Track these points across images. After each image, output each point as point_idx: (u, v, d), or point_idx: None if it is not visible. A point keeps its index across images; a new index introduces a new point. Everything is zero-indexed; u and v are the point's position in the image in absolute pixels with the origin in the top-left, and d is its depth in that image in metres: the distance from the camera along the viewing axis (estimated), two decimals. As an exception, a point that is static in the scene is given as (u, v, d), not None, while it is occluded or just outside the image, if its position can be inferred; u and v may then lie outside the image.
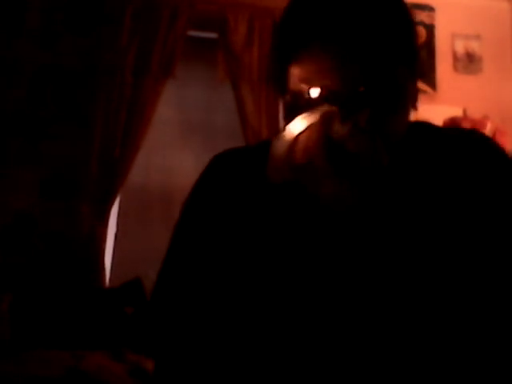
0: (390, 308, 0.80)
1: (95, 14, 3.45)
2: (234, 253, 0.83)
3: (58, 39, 3.41)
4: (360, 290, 0.81)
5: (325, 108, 0.76)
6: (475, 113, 3.66)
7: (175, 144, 3.69)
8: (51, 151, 3.29)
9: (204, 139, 3.64)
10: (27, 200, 3.24)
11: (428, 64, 3.73)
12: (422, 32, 3.75)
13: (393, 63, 0.79)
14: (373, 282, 0.80)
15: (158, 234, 3.32)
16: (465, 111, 3.67)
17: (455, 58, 3.90)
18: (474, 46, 3.90)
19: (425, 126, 0.93)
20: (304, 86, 0.80)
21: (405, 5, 0.85)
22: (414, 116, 0.87)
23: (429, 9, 3.84)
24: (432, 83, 3.73)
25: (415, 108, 0.86)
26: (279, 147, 0.76)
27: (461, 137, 0.91)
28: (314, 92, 0.79)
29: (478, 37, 3.91)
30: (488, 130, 3.55)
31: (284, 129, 0.77)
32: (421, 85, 3.72)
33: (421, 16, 3.74)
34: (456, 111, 3.65)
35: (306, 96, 0.80)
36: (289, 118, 0.78)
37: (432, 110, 3.19)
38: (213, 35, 3.64)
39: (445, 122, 3.57)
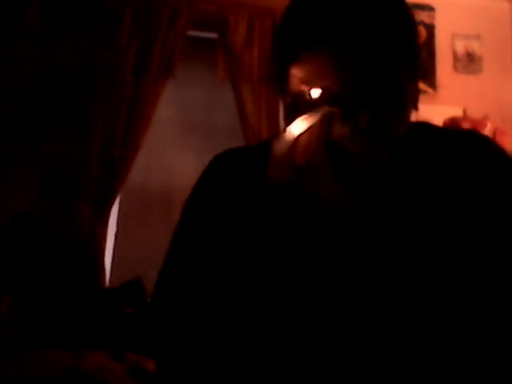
0: (390, 308, 0.80)
1: (95, 14, 3.45)
2: (235, 253, 0.83)
3: (58, 39, 3.41)
4: (360, 290, 0.81)
5: (325, 109, 0.76)
6: (475, 113, 3.66)
7: (175, 144, 3.69)
8: (51, 151, 3.29)
9: (204, 139, 3.64)
10: (27, 200, 3.24)
11: (428, 64, 3.73)
12: (422, 32, 3.75)
13: (394, 64, 0.79)
14: (372, 282, 0.81)
15: (158, 234, 3.32)
16: (465, 111, 3.67)
17: (455, 57, 3.90)
18: (474, 46, 3.90)
19: (425, 127, 0.93)
20: (304, 87, 0.80)
21: (406, 5, 0.84)
22: (413, 116, 0.87)
23: (429, 9, 3.84)
24: (432, 83, 3.73)
25: (416, 108, 0.86)
26: (280, 148, 0.76)
27: (461, 137, 0.91)
28: (315, 93, 0.79)
29: (478, 37, 3.91)
30: (488, 129, 3.56)
31: (284, 130, 0.77)
32: (421, 85, 3.70)
33: (421, 16, 3.74)
34: (456, 111, 3.65)
35: (307, 97, 0.80)
36: (289, 119, 0.78)
37: (432, 110, 3.18)
38: (213, 35, 3.64)
39: (445, 122, 3.57)
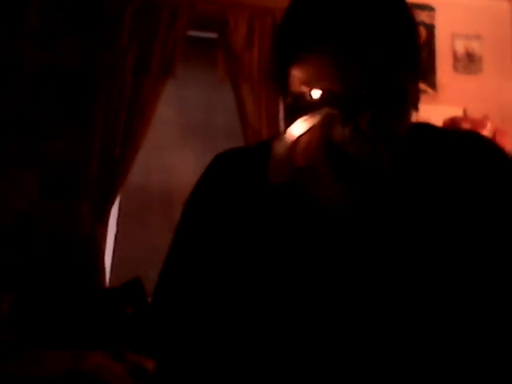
0: (389, 309, 0.80)
1: (95, 13, 3.45)
2: (235, 253, 0.83)
3: (58, 39, 3.41)
4: (360, 290, 0.81)
5: (326, 110, 0.76)
6: (475, 113, 3.66)
7: (175, 144, 3.69)
8: (51, 151, 3.29)
9: (204, 139, 3.64)
10: (27, 200, 3.24)
11: (428, 64, 3.73)
12: (422, 32, 3.74)
13: (394, 65, 0.79)
14: (372, 283, 0.81)
15: (158, 234, 3.32)
16: (465, 111, 3.67)
17: (455, 58, 3.90)
18: (474, 46, 3.90)
19: (425, 127, 0.93)
20: (305, 88, 0.80)
21: (407, 6, 0.84)
22: (414, 116, 0.87)
23: (429, 9, 3.84)
24: (432, 83, 3.73)
25: (416, 109, 0.86)
26: (280, 149, 0.76)
27: (461, 138, 0.91)
28: (316, 94, 0.79)
29: (478, 37, 3.91)
30: (488, 130, 3.55)
31: (285, 131, 0.77)
32: (421, 85, 3.70)
33: (421, 16, 3.74)
34: (456, 111, 3.65)
35: (307, 98, 0.79)
36: (290, 120, 0.79)
37: (432, 110, 3.19)
38: (213, 35, 3.64)
39: (445, 122, 3.57)
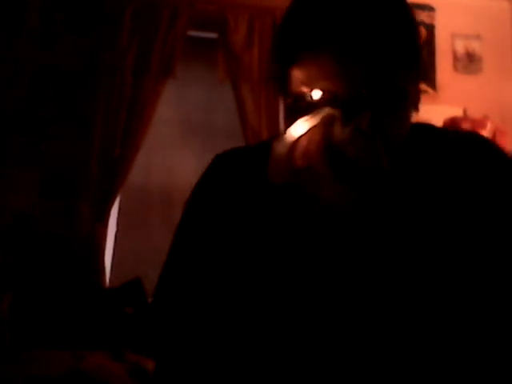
0: (390, 309, 0.80)
1: (95, 13, 3.45)
2: (235, 253, 0.83)
3: (58, 39, 3.41)
4: (360, 291, 0.81)
5: (326, 111, 0.76)
6: (475, 113, 3.66)
7: (175, 144, 3.69)
8: (51, 151, 3.29)
9: (204, 139, 3.64)
10: (27, 200, 3.24)
11: (428, 64, 3.73)
12: (422, 32, 3.74)
13: (395, 65, 0.79)
14: (372, 284, 0.80)
15: (158, 234, 3.32)
16: (465, 111, 3.67)
17: (455, 57, 3.90)
18: (474, 46, 3.90)
19: (426, 128, 0.93)
20: (305, 89, 0.80)
21: (408, 7, 0.84)
22: (414, 116, 0.87)
23: (429, 9, 3.84)
24: (432, 83, 3.73)
25: (417, 110, 0.86)
26: (280, 149, 0.76)
27: (461, 139, 0.91)
28: (316, 94, 0.79)
29: (478, 37, 3.91)
30: (488, 130, 3.55)
31: (285, 131, 0.77)
32: (421, 85, 3.70)
33: (421, 16, 3.74)
34: (456, 111, 3.65)
35: (308, 98, 0.79)
36: (290, 120, 0.78)
37: (432, 110, 3.18)
38: (213, 35, 3.64)
39: (445, 122, 3.57)
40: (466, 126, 3.54)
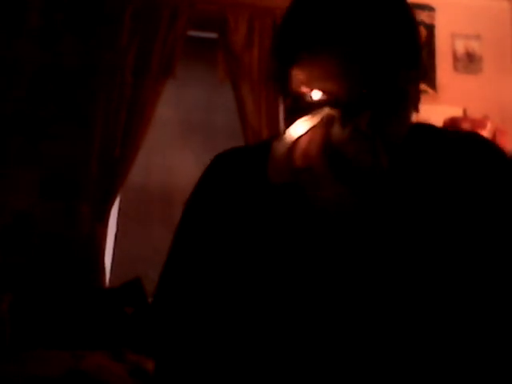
0: (389, 310, 0.80)
1: (95, 14, 3.45)
2: (235, 253, 0.83)
3: (58, 39, 3.41)
4: (359, 291, 0.81)
5: (326, 111, 0.76)
6: (475, 113, 3.66)
7: (175, 144, 3.69)
8: (51, 151, 3.29)
9: (204, 139, 3.64)
10: (27, 200, 3.24)
11: (428, 64, 3.73)
12: (421, 32, 3.74)
13: (395, 65, 0.79)
14: (372, 284, 0.80)
15: (158, 234, 3.32)
16: (465, 111, 3.67)
17: (455, 57, 3.90)
18: (474, 45, 3.90)
19: (425, 128, 0.93)
20: (305, 89, 0.80)
21: (408, 7, 0.84)
22: (413, 116, 0.87)
23: (429, 9, 3.84)
24: (432, 83, 3.73)
25: (417, 110, 0.86)
26: (279, 150, 0.76)
27: (461, 139, 0.91)
28: (316, 95, 0.79)
29: (478, 37, 3.91)
30: (488, 130, 3.55)
31: (284, 131, 0.77)
32: (421, 85, 3.69)
33: (421, 16, 3.74)
34: (456, 111, 3.65)
35: (308, 98, 0.79)
36: (290, 121, 0.78)
37: (432, 110, 3.18)
38: (213, 35, 3.64)
39: (445, 122, 3.57)
40: (465, 126, 3.54)
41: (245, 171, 0.90)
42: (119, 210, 3.50)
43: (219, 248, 0.85)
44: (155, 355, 0.94)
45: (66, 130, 3.33)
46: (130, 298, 2.88)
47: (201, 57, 3.71)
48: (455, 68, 3.88)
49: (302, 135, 0.75)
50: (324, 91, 0.78)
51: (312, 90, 0.79)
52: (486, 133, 3.45)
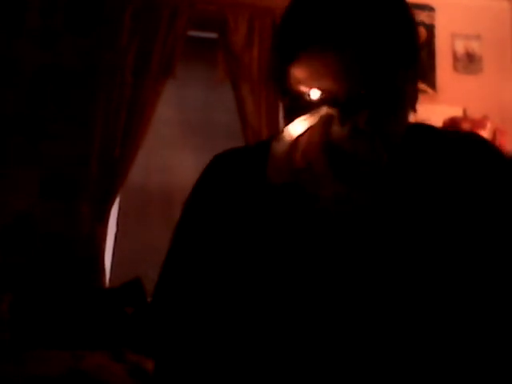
0: (390, 309, 0.80)
1: (95, 13, 3.45)
2: (235, 253, 0.83)
3: (58, 39, 3.41)
4: (359, 291, 0.81)
5: (324, 110, 0.76)
6: (475, 113, 3.66)
7: (175, 144, 3.69)
8: (51, 151, 3.29)
9: (204, 139, 3.64)
10: (27, 200, 3.24)
11: (428, 64, 3.73)
12: (422, 32, 3.74)
13: (394, 65, 0.79)
14: (372, 284, 0.81)
15: (158, 234, 3.32)
16: (465, 111, 3.67)
17: (455, 58, 3.90)
18: (474, 46, 3.90)
19: (424, 128, 0.93)
20: (304, 88, 0.80)
21: (407, 7, 0.84)
22: (413, 116, 0.87)
23: (429, 9, 3.84)
24: (432, 83, 3.73)
25: (414, 110, 0.86)
26: (279, 149, 0.76)
27: (459, 139, 0.91)
28: (315, 94, 0.79)
29: (478, 37, 3.91)
30: (488, 130, 3.55)
31: (283, 130, 0.77)
32: (421, 85, 3.69)
33: (421, 16, 3.74)
34: (456, 111, 3.65)
35: (306, 98, 0.79)
36: (288, 120, 0.79)
37: (432, 110, 3.19)
38: (213, 35, 3.64)
39: (445, 122, 3.57)
40: (465, 126, 3.54)
41: (244, 171, 0.90)
42: (119, 209, 3.50)
43: (218, 248, 0.85)
44: (155, 355, 0.94)
45: (66, 130, 3.33)
46: (130, 297, 2.88)
47: (201, 57, 3.71)
48: (455, 68, 3.88)
49: (301, 134, 0.75)
50: (322, 90, 0.78)
51: (310, 88, 0.79)
52: (485, 133, 3.45)
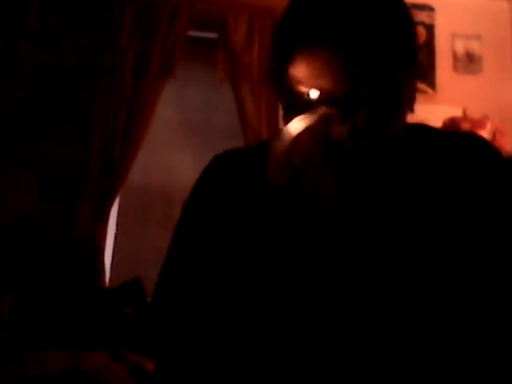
0: (390, 308, 0.80)
1: (95, 14, 3.45)
2: (235, 254, 0.83)
3: (58, 39, 3.41)
4: (359, 290, 0.81)
5: (323, 109, 0.76)
6: (475, 113, 3.66)
7: (175, 144, 3.69)
8: (51, 151, 3.29)
9: (204, 139, 3.64)
10: (27, 200, 3.24)
11: (428, 64, 3.73)
12: (422, 32, 3.75)
13: (392, 65, 0.79)
14: (372, 283, 0.81)
15: (158, 234, 3.32)
16: (465, 111, 3.67)
17: (455, 58, 3.90)
18: (474, 46, 3.90)
19: (422, 128, 0.93)
20: (303, 87, 0.80)
21: (405, 7, 0.84)
22: (413, 116, 0.87)
23: (429, 9, 3.84)
24: (432, 83, 3.73)
25: (412, 110, 0.86)
26: (278, 149, 0.76)
27: (458, 139, 0.91)
28: (314, 93, 0.79)
29: (478, 37, 3.91)
30: (488, 130, 3.55)
31: (282, 130, 0.77)
32: (421, 85, 3.72)
33: (421, 16, 3.74)
34: (456, 111, 3.65)
35: (305, 97, 0.80)
36: (287, 119, 0.79)
37: (432, 110, 3.19)
38: (213, 35, 3.64)
39: (445, 122, 3.57)
40: (465, 126, 3.53)
41: (244, 172, 0.90)
42: (119, 209, 3.50)
43: (219, 248, 0.85)
44: (155, 355, 0.94)
45: (66, 130, 3.33)
46: (130, 298, 2.88)
47: (201, 57, 3.71)
48: (455, 68, 3.88)
49: (300, 133, 0.75)
50: (321, 89, 0.78)
51: (309, 88, 0.79)
52: (485, 133, 3.45)
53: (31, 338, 2.61)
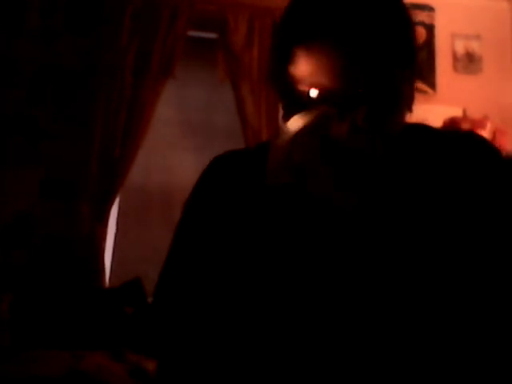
0: (390, 308, 0.80)
1: (95, 14, 3.45)
2: (235, 254, 0.84)
3: (58, 39, 3.41)
4: (360, 290, 0.81)
5: (322, 108, 0.76)
6: (475, 113, 3.66)
7: (175, 144, 3.69)
8: (51, 151, 3.29)
9: (204, 139, 3.65)
10: (27, 200, 3.24)
11: (428, 64, 3.73)
12: (421, 32, 3.75)
13: (391, 64, 0.79)
14: (373, 282, 0.81)
15: (158, 233, 3.33)
16: (465, 111, 3.67)
17: (455, 58, 3.90)
18: (474, 46, 3.90)
19: (421, 128, 0.93)
20: (302, 87, 0.80)
21: (404, 6, 0.84)
22: (413, 116, 0.87)
23: (429, 9, 3.84)
24: (432, 83, 3.73)
25: (410, 110, 0.86)
26: (278, 149, 0.76)
27: (457, 139, 0.91)
28: (313, 93, 0.79)
29: (478, 37, 3.91)
30: (488, 130, 3.55)
31: (282, 128, 0.77)
32: (420, 85, 3.72)
33: (421, 16, 3.74)
34: (456, 111, 3.65)
35: (305, 96, 0.80)
36: (287, 118, 0.79)
37: (432, 110, 3.19)
38: (213, 35, 3.64)
39: (444, 122, 3.57)
40: (465, 126, 3.53)
41: (244, 172, 0.90)
42: (119, 209, 3.51)
43: (219, 248, 0.85)
44: (156, 355, 0.94)
45: (66, 130, 3.33)
46: (130, 298, 2.88)
47: (201, 57, 3.72)
48: (455, 68, 3.88)
49: (300, 132, 0.75)
50: (320, 88, 0.78)
51: (309, 87, 0.79)
52: (485, 133, 3.45)
53: (31, 337, 2.61)
